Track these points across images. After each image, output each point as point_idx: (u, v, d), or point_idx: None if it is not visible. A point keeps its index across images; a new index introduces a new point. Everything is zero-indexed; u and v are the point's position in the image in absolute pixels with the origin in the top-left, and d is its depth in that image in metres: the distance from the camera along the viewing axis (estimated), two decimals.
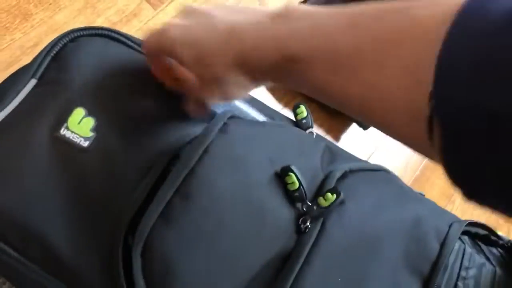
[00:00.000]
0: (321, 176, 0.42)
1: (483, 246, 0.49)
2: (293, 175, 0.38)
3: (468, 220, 0.45)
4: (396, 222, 0.41)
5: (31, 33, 0.65)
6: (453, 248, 0.42)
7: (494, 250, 0.50)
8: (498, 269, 0.46)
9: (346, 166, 0.43)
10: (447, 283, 0.42)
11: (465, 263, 0.44)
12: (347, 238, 0.39)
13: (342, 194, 0.39)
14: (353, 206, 0.40)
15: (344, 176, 0.42)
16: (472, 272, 0.43)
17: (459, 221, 0.45)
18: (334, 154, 0.46)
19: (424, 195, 0.50)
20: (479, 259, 0.45)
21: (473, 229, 0.47)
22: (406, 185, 0.48)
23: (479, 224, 0.48)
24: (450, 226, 0.44)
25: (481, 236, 0.49)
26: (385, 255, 0.39)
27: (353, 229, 0.39)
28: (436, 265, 0.41)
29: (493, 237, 0.50)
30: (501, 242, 0.51)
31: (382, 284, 0.38)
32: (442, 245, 0.42)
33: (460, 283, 0.43)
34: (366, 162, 0.48)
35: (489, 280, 0.44)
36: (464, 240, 0.46)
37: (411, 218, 0.42)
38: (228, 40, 0.34)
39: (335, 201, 0.38)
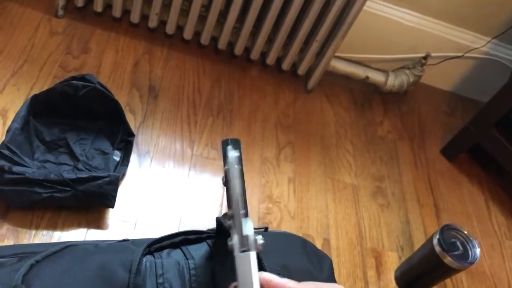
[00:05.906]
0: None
1: (188, 248, 0.62)
2: None
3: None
4: (82, 276, 0.52)
5: None
6: (138, 268, 0.53)
7: (202, 245, 0.63)
8: (194, 259, 0.59)
9: (32, 261, 0.53)
10: None
11: (159, 271, 0.56)
12: None
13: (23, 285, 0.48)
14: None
15: (31, 268, 0.52)
16: (167, 275, 0.56)
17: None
18: None
19: None
20: (171, 260, 0.57)
21: (167, 242, 0.60)
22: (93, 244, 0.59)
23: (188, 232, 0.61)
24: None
25: (188, 240, 0.63)
26: None
27: None
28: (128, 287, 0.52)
29: (202, 236, 0.64)
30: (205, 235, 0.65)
31: None
32: (130, 270, 0.53)
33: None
34: (54, 247, 0.58)
35: (186, 269, 0.57)
36: (156, 256, 0.58)
37: (95, 267, 0.53)
38: None
39: None
